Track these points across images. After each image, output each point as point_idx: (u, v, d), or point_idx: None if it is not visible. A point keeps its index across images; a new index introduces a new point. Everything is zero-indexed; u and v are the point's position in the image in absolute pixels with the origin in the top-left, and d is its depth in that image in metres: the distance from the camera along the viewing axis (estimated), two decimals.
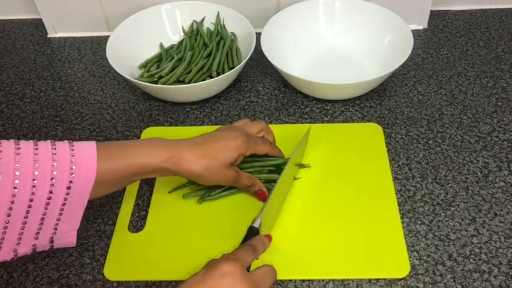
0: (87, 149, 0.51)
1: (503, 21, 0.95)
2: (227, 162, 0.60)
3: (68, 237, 0.53)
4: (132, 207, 0.67)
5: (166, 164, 0.56)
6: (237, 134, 0.61)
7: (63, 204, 0.49)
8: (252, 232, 0.58)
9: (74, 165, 0.49)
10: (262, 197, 0.65)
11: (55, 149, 0.50)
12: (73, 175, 0.49)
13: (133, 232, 0.65)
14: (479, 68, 0.86)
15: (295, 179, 0.69)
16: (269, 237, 0.60)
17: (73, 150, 0.50)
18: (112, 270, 0.61)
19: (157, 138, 0.58)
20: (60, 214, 0.50)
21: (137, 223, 0.66)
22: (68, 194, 0.49)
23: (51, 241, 0.52)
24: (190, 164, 0.57)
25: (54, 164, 0.48)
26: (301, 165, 0.70)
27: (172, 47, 0.90)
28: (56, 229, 0.51)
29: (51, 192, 0.48)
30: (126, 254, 0.62)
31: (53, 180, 0.48)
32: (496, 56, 0.88)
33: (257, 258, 0.56)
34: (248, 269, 0.53)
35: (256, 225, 0.59)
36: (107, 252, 0.63)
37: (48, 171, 0.48)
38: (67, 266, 0.62)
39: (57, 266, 0.62)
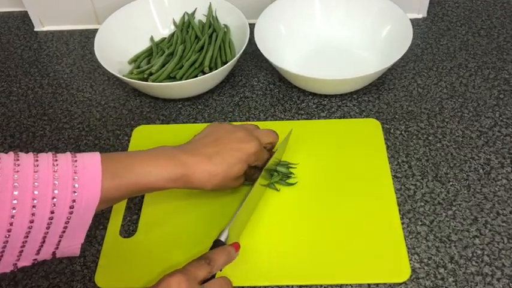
0: (91, 165, 0.48)
1: (505, 8, 0.92)
2: (237, 176, 0.59)
3: (70, 250, 0.51)
4: (124, 211, 0.65)
5: (175, 184, 0.55)
6: (253, 144, 0.59)
7: (66, 223, 0.47)
8: (217, 245, 0.55)
9: (77, 184, 0.47)
10: None
11: (57, 164, 0.47)
12: (76, 194, 0.46)
13: (125, 237, 0.63)
14: (481, 58, 0.83)
15: (269, 184, 0.66)
16: (236, 246, 0.57)
17: (76, 166, 0.47)
18: (103, 278, 0.59)
19: (165, 151, 0.56)
20: (63, 232, 0.48)
21: (129, 227, 0.64)
22: (70, 213, 0.47)
23: (53, 254, 0.50)
24: (201, 183, 0.56)
25: (56, 182, 0.46)
26: (289, 165, 0.68)
27: (163, 40, 0.87)
28: (58, 245, 0.49)
29: (52, 212, 0.46)
30: (117, 261, 0.60)
31: (54, 200, 0.45)
32: (497, 46, 0.85)
33: (220, 270, 0.54)
34: (211, 279, 0.52)
35: (222, 238, 0.56)
36: (98, 258, 0.61)
37: (49, 190, 0.45)
38: (57, 274, 0.60)
39: (46, 274, 0.60)
